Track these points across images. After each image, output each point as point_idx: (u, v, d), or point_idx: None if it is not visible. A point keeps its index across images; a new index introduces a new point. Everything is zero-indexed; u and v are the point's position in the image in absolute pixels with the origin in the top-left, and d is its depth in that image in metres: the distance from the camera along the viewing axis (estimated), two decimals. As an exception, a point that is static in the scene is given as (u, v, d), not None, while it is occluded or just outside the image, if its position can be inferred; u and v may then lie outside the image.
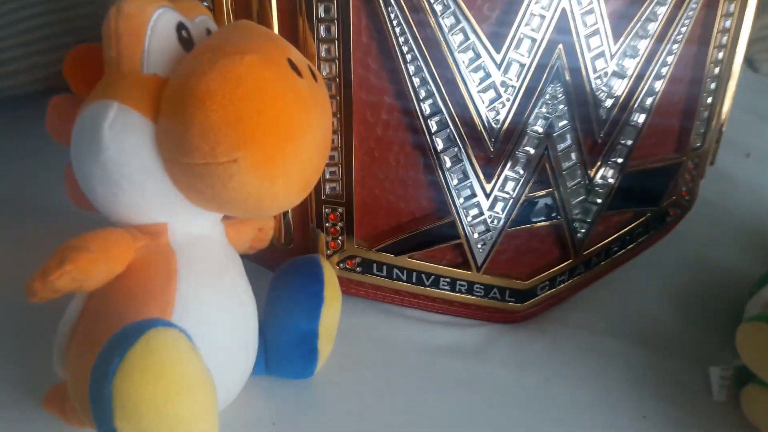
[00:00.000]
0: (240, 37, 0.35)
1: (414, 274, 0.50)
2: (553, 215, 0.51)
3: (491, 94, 0.45)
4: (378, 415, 0.45)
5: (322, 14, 0.41)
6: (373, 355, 0.50)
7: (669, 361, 0.52)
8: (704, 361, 0.52)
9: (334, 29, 0.41)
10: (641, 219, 0.55)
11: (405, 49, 0.42)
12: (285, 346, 0.45)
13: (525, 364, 0.51)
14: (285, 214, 0.48)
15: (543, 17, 0.43)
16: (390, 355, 0.50)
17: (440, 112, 0.44)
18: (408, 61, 0.43)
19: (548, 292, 0.54)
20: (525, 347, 0.52)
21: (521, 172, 0.48)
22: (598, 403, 0.48)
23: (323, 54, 0.42)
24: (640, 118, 0.50)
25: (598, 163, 0.50)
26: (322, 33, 0.42)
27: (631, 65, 0.47)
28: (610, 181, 0.51)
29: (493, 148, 0.46)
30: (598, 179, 0.50)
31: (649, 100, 0.49)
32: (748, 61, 0.86)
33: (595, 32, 0.45)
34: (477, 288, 0.52)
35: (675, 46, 0.48)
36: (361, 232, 0.49)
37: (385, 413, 0.46)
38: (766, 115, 0.76)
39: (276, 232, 0.48)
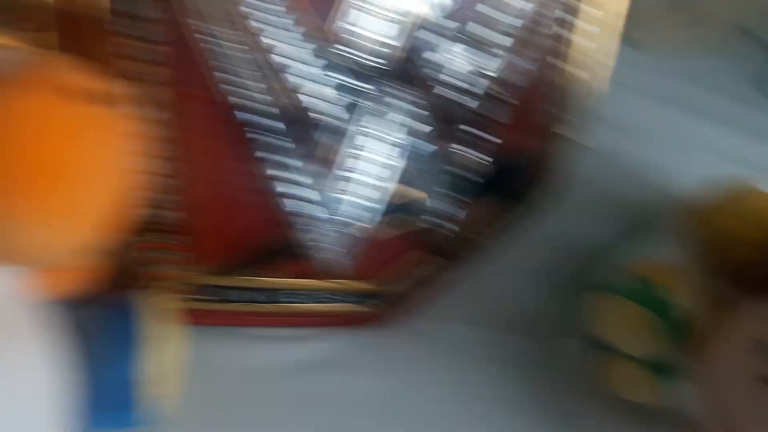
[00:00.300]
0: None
1: (258, 293, 0.47)
2: (406, 215, 0.48)
3: (314, 87, 0.41)
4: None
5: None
6: (218, 388, 0.46)
7: (536, 343, 0.51)
8: (571, 339, 0.51)
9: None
10: (505, 208, 0.53)
11: (218, 52, 0.38)
12: (106, 397, 0.40)
13: (391, 368, 0.49)
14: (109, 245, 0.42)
15: None
16: (237, 383, 0.46)
17: (265, 116, 0.40)
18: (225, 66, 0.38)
19: (409, 288, 0.51)
20: (391, 350, 0.50)
21: (365, 175, 0.45)
22: (464, 396, 0.47)
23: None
24: (487, 108, 0.47)
25: (448, 158, 0.47)
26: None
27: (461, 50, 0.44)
28: (466, 174, 0.48)
29: (325, 152, 0.43)
30: (452, 172, 0.48)
31: (493, 89, 0.47)
32: (629, 40, 0.85)
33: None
34: (330, 296, 0.49)
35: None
36: (195, 256, 0.44)
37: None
38: (647, 91, 0.76)
39: (106, 269, 0.43)
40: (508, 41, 0.46)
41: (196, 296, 0.46)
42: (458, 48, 0.45)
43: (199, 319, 0.47)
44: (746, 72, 0.83)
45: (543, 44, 0.48)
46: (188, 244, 0.43)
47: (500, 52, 0.47)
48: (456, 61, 0.45)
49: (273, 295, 0.48)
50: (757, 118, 0.75)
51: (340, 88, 0.42)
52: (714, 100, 0.77)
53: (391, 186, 0.47)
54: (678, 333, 0.44)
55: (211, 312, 0.47)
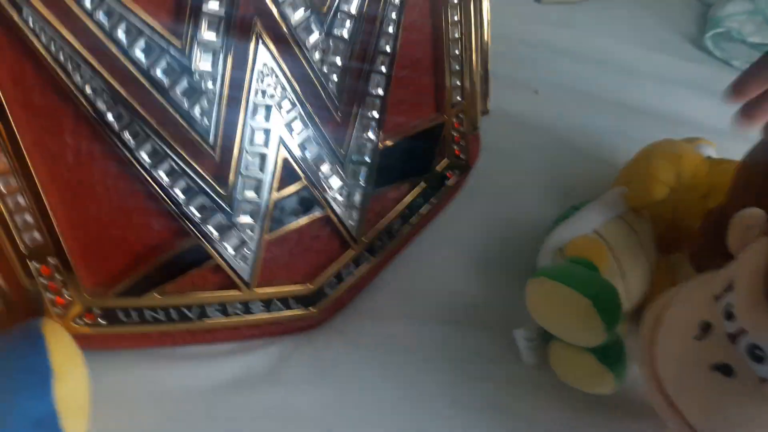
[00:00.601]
0: None
1: (172, 311, 0.44)
2: (315, 209, 0.46)
3: (187, 88, 0.38)
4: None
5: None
6: (145, 413, 0.43)
7: (475, 333, 0.48)
8: (511, 327, 0.48)
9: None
10: (417, 190, 0.51)
11: (61, 58, 0.35)
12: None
13: (323, 375, 0.46)
14: (-7, 279, 0.40)
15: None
16: (167, 407, 0.44)
17: (132, 122, 0.38)
18: (70, 71, 0.36)
19: (338, 288, 0.49)
20: (321, 355, 0.47)
21: (260, 171, 0.42)
22: (404, 397, 0.45)
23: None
24: (379, 86, 0.45)
25: (347, 142, 0.45)
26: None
27: (348, 28, 0.42)
28: (366, 159, 0.46)
29: (213, 150, 0.41)
30: (351, 159, 0.46)
31: (384, 65, 0.45)
32: None
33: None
34: (255, 305, 0.46)
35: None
36: (91, 278, 0.42)
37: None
38: (555, 47, 0.74)
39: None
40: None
41: (114, 320, 0.43)
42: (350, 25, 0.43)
43: (124, 343, 0.44)
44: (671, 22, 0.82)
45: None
46: (80, 264, 0.40)
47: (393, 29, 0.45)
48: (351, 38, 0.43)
49: (202, 310, 0.45)
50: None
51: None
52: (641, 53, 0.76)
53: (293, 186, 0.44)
54: (612, 315, 0.40)
55: (141, 335, 0.45)
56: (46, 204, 0.38)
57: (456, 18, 0.49)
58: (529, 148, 0.54)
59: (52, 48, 0.36)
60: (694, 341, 0.33)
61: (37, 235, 0.39)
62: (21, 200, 0.38)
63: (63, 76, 0.36)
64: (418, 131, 0.50)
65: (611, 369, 0.41)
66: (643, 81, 0.71)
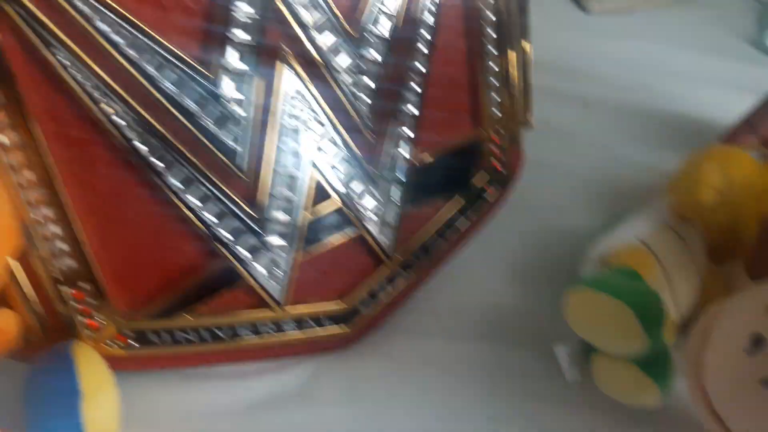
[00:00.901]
0: None
1: (204, 332, 0.44)
2: (348, 229, 0.45)
3: (216, 114, 0.38)
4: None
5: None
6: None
7: (515, 351, 0.47)
8: (553, 343, 0.47)
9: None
10: (454, 205, 0.50)
11: (91, 89, 0.36)
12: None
13: (355, 394, 0.46)
14: (30, 305, 0.41)
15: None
16: (199, 427, 0.44)
17: (161, 149, 0.38)
18: (100, 102, 0.36)
19: (372, 306, 0.48)
20: (356, 373, 0.47)
21: (292, 193, 0.42)
22: (439, 416, 0.44)
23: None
24: (412, 106, 0.44)
25: (380, 161, 0.45)
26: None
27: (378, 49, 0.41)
28: (400, 177, 0.46)
29: (244, 174, 0.41)
30: (384, 178, 0.45)
31: (417, 85, 0.44)
32: (576, 1, 0.82)
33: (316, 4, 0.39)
34: (287, 324, 0.46)
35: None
36: (123, 301, 0.42)
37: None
38: (602, 56, 0.71)
39: (27, 327, 0.41)
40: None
41: (146, 341, 0.44)
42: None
43: (157, 363, 0.45)
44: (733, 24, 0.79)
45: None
46: (112, 288, 0.41)
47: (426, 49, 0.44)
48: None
49: (233, 331, 0.45)
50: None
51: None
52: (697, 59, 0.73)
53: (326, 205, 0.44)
54: (654, 322, 0.39)
55: (173, 356, 0.45)
56: (79, 231, 0.39)
57: (494, 35, 0.47)
58: (574, 160, 0.52)
59: (85, 82, 0.36)
60: (744, 355, 0.31)
61: (70, 261, 0.40)
62: (55, 228, 0.39)
63: (95, 108, 0.37)
64: (454, 148, 0.48)
65: (656, 380, 0.40)
66: (701, 87, 0.68)
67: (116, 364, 0.41)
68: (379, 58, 0.42)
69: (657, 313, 0.39)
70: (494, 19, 0.47)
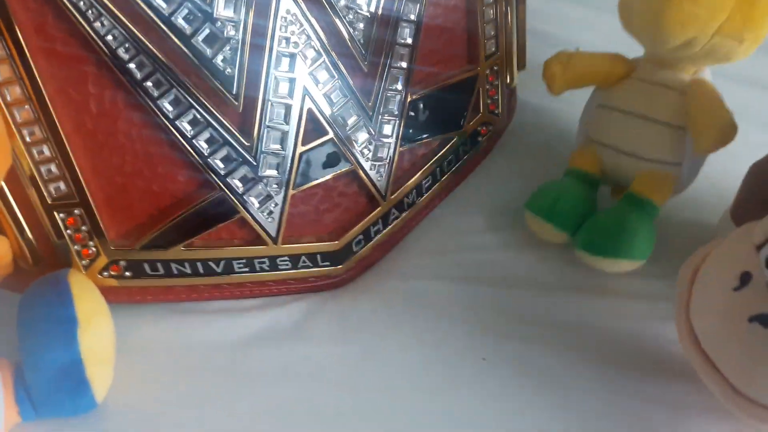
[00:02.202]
0: None
1: (198, 264, 0.44)
2: (341, 163, 0.45)
3: (210, 35, 0.38)
4: (184, 430, 0.40)
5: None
6: (171, 365, 0.43)
7: (504, 293, 0.47)
8: (541, 287, 0.47)
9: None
10: (449, 146, 0.50)
11: (82, 5, 0.35)
12: (48, 384, 0.38)
13: (348, 332, 0.45)
14: (22, 230, 0.40)
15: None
16: (192, 360, 0.44)
17: (154, 71, 0.37)
18: (91, 20, 0.35)
19: (366, 246, 0.48)
20: (348, 313, 0.47)
21: (285, 123, 0.41)
22: (431, 358, 0.44)
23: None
24: (408, 35, 0.44)
25: (374, 94, 0.44)
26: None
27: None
28: (395, 111, 0.45)
29: (237, 101, 0.40)
30: (378, 112, 0.44)
31: (412, 13, 0.43)
32: None
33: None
34: (282, 261, 0.46)
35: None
36: (116, 230, 0.42)
37: (193, 426, 0.40)
38: (592, 3, 0.71)
39: (18, 254, 0.40)
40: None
41: (140, 272, 0.43)
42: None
43: (150, 296, 0.45)
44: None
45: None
46: (105, 215, 0.40)
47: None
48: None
49: (229, 265, 0.45)
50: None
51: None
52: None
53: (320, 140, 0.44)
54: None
55: (166, 288, 0.45)
56: (70, 153, 0.38)
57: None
58: (563, 104, 0.52)
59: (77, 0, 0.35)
60: (732, 293, 0.31)
61: (62, 185, 0.39)
62: (46, 150, 0.38)
63: (84, 23, 0.36)
64: (450, 83, 0.48)
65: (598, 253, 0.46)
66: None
67: (109, 296, 0.41)
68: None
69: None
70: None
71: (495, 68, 0.50)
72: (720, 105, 0.44)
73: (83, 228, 0.40)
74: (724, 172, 0.45)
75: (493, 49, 0.49)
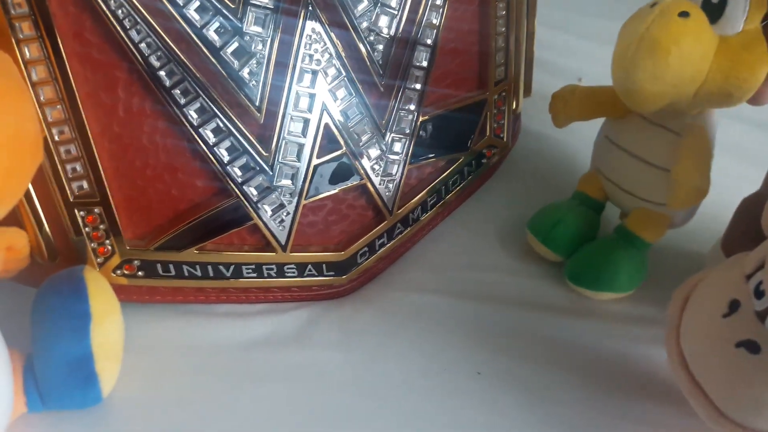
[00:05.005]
0: None
1: (209, 267, 0.45)
2: (352, 177, 0.46)
3: (238, 48, 0.39)
4: (186, 428, 0.41)
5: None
6: (176, 364, 0.45)
7: (503, 309, 0.49)
8: (540, 305, 0.49)
9: (23, 2, 0.35)
10: (455, 165, 0.52)
11: (120, 13, 0.37)
12: (57, 376, 0.39)
13: (350, 341, 0.47)
14: (41, 225, 0.41)
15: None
16: (196, 360, 0.45)
17: (183, 80, 0.39)
18: (127, 27, 0.37)
19: (370, 258, 0.50)
20: (350, 322, 0.48)
21: (302, 136, 0.43)
22: (428, 368, 0.45)
23: (20, 35, 0.36)
24: (424, 59, 0.46)
25: (388, 113, 0.46)
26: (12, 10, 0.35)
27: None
28: (406, 130, 0.47)
29: (259, 112, 0.42)
30: (391, 130, 0.46)
31: (429, 38, 0.45)
32: None
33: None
34: (288, 269, 0.47)
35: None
36: (133, 230, 0.43)
37: (195, 425, 0.41)
38: (598, 36, 0.73)
39: (35, 248, 0.42)
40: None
41: (152, 273, 0.45)
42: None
43: (159, 296, 0.46)
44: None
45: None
46: (123, 216, 0.42)
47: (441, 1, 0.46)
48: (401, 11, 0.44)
49: (238, 269, 0.46)
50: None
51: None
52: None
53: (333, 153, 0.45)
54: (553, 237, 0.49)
55: (175, 289, 0.46)
56: (95, 154, 0.40)
57: (504, 11, 0.49)
58: (568, 133, 0.54)
59: (112, 3, 0.37)
60: (721, 319, 0.33)
61: (85, 183, 0.40)
62: (73, 150, 0.39)
63: (120, 31, 0.37)
64: (460, 106, 0.50)
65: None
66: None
67: (120, 294, 0.42)
68: (395, 6, 0.43)
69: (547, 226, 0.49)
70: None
71: (503, 94, 0.52)
72: (698, 165, 0.43)
73: (101, 226, 0.42)
74: (715, 205, 0.47)
75: (503, 75, 0.51)
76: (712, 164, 0.44)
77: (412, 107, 0.47)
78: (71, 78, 0.38)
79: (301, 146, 0.44)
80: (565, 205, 0.51)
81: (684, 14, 0.37)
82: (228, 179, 0.43)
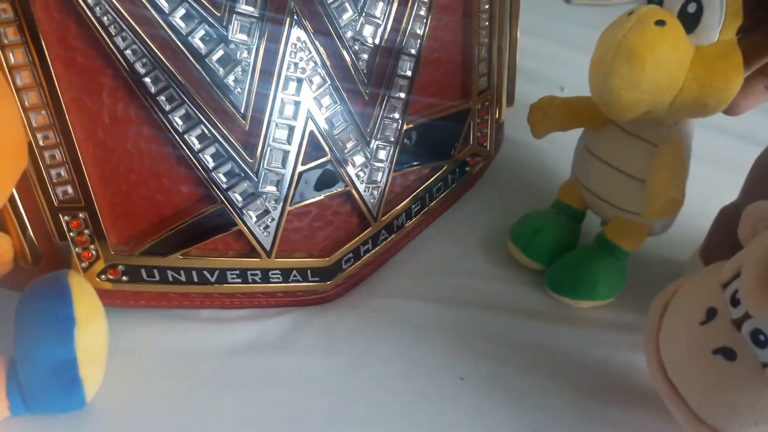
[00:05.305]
0: None
1: (193, 272, 0.45)
2: (337, 184, 0.47)
3: (223, 56, 0.40)
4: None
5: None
6: (160, 369, 0.45)
7: (486, 316, 0.49)
8: (523, 314, 0.49)
9: (8, 8, 0.35)
10: (439, 173, 0.52)
11: (105, 20, 0.37)
12: (40, 380, 0.39)
13: (333, 347, 0.47)
14: (25, 230, 0.41)
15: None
16: (180, 366, 0.45)
17: (168, 86, 0.39)
18: (113, 34, 0.37)
19: (355, 264, 0.50)
20: (333, 328, 0.48)
21: (287, 143, 0.43)
22: (412, 374, 0.46)
23: (4, 41, 0.36)
24: (408, 68, 0.46)
25: (373, 121, 0.46)
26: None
27: (381, 8, 0.43)
28: (390, 138, 0.48)
29: (244, 119, 0.42)
30: (375, 138, 0.47)
31: (413, 47, 0.46)
32: None
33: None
34: (273, 274, 0.47)
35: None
36: (118, 235, 0.43)
37: (178, 429, 0.41)
38: (581, 45, 0.74)
39: (19, 252, 0.42)
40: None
41: (136, 278, 0.45)
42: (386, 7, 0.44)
43: (143, 301, 0.46)
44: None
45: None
46: (108, 221, 0.42)
47: (425, 11, 0.46)
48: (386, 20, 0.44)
49: (222, 275, 0.46)
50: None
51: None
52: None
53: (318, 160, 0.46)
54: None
55: (160, 294, 0.46)
56: (80, 159, 0.40)
57: (486, 6, 0.50)
58: (550, 142, 0.55)
59: (97, 10, 0.37)
60: (699, 326, 0.33)
61: (69, 188, 0.40)
62: (58, 155, 0.40)
63: (106, 37, 0.38)
64: (444, 115, 0.51)
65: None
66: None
67: (104, 299, 0.42)
68: (379, 16, 0.44)
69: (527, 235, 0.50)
70: (487, 7, 0.49)
71: (486, 103, 0.53)
72: (673, 176, 0.43)
73: (86, 231, 0.42)
74: (694, 214, 0.47)
75: (486, 85, 0.52)
76: (690, 174, 0.45)
77: (397, 116, 0.47)
78: (56, 83, 0.38)
79: (286, 153, 0.44)
80: (545, 214, 0.51)
81: (660, 23, 0.37)
82: (213, 185, 0.43)
